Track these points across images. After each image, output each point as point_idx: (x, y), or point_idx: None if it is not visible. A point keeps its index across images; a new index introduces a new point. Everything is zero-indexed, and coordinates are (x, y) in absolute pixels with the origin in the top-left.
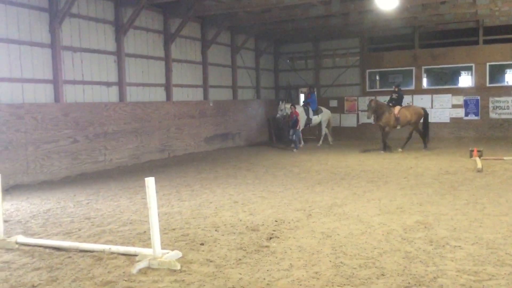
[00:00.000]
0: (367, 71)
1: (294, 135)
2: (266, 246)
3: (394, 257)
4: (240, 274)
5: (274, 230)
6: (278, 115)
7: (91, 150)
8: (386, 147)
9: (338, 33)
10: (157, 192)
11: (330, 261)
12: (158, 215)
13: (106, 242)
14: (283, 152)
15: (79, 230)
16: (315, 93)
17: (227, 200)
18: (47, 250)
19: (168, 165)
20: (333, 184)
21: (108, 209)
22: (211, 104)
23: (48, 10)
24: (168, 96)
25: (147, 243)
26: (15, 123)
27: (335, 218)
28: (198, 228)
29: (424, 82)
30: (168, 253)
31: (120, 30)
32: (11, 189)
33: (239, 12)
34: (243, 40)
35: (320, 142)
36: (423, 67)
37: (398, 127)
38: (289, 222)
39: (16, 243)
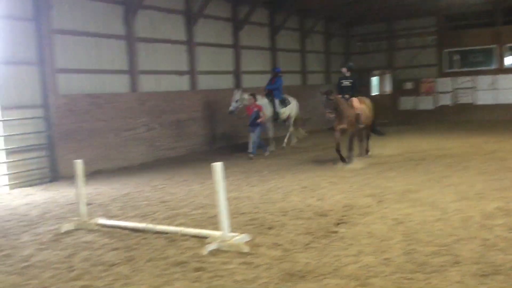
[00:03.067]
0: (445, 51)
1: (255, 137)
2: (335, 232)
3: (471, 244)
4: (308, 258)
5: (343, 216)
6: (230, 108)
7: (165, 137)
8: (349, 156)
9: (413, 12)
10: (227, 177)
11: (401, 248)
12: (228, 199)
13: (179, 225)
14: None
15: (155, 213)
16: (281, 77)
17: (295, 186)
18: (125, 232)
19: (237, 150)
20: (407, 169)
21: (182, 193)
22: None
23: (122, 3)
24: (238, 82)
25: (217, 226)
26: (96, 112)
27: (408, 204)
28: (267, 212)
29: (507, 61)
30: (237, 236)
31: (190, 19)
32: (93, 174)
33: None
34: (312, 23)
35: (285, 140)
36: (507, 45)
37: (361, 125)
38: (359, 208)
39: (97, 224)
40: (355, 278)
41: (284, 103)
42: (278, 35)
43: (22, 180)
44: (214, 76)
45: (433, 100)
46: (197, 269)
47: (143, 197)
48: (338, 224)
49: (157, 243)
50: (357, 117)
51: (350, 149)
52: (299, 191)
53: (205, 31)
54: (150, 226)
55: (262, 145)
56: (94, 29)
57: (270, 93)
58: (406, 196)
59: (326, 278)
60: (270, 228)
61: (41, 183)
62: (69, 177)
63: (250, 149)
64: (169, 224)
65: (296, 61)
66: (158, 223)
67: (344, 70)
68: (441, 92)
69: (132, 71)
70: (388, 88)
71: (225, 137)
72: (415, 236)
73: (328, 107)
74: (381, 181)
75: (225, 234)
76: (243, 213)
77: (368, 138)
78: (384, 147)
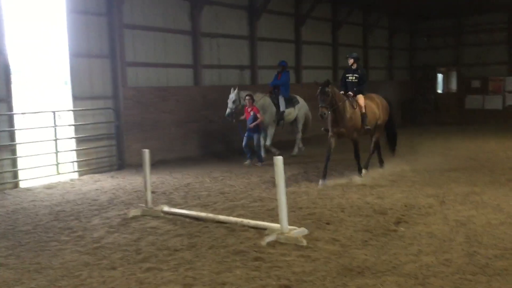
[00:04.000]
0: None
1: (258, 142)
2: (394, 230)
3: None
4: (366, 255)
5: (403, 215)
6: (228, 111)
7: (225, 130)
8: (365, 164)
9: (483, 7)
10: (285, 172)
11: (463, 249)
12: (286, 193)
13: (238, 216)
14: (418, 137)
15: (215, 203)
16: (288, 72)
17: (354, 183)
18: (187, 220)
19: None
20: (471, 171)
21: (240, 185)
22: None
23: None
24: (298, 78)
25: (275, 219)
26: (161, 104)
27: (472, 206)
28: (325, 208)
29: None
30: (295, 229)
31: (253, 14)
32: (157, 164)
33: None
34: (376, 18)
35: (296, 149)
36: None
37: (368, 128)
38: (419, 208)
39: (162, 212)
40: (414, 276)
41: (291, 102)
42: (340, 30)
43: (91, 167)
44: (274, 70)
45: (502, 99)
46: (256, 259)
47: (204, 188)
48: (398, 223)
49: (218, 232)
50: (362, 118)
51: (375, 152)
52: (358, 188)
53: (267, 26)
54: (211, 215)
55: (259, 154)
56: (162, 24)
57: (274, 90)
58: (470, 198)
59: (384, 275)
60: (328, 223)
61: (109, 171)
62: (134, 166)
63: (250, 155)
64: (229, 215)
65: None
66: (218, 213)
67: (350, 61)
68: (510, 92)
69: (196, 65)
70: (453, 86)
71: (284, 131)
72: (477, 238)
73: (323, 102)
74: (444, 181)
75: (284, 227)
76: (300, 208)
77: (378, 146)
78: (449, 148)
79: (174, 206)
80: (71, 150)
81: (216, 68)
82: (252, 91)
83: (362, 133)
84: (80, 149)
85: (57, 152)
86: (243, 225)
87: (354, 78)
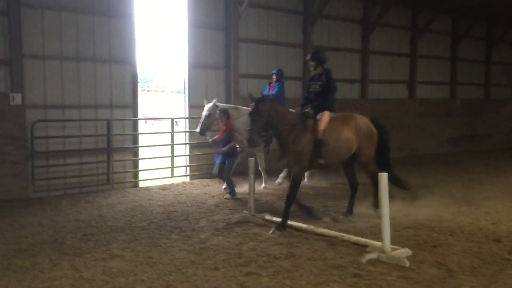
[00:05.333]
0: None
1: (226, 169)
2: (508, 259)
3: None
4: (473, 283)
5: None
6: (200, 127)
7: None
8: (307, 210)
9: None
10: (392, 190)
11: None
12: (391, 212)
13: (339, 230)
14: None
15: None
16: (283, 82)
17: (467, 206)
18: (288, 229)
19: (406, 164)
20: None
21: (344, 199)
22: (458, 103)
23: (302, 12)
24: (411, 93)
25: (377, 236)
26: None
27: None
28: (432, 230)
29: None
30: (397, 249)
31: (367, 28)
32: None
33: (496, 2)
34: (501, 32)
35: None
36: None
37: (322, 163)
38: None
39: (263, 219)
40: None
41: None
42: (460, 44)
43: (202, 172)
44: (386, 85)
45: None
46: (355, 275)
47: (307, 200)
48: None
49: (317, 245)
50: (317, 146)
51: (290, 202)
52: (471, 211)
53: (380, 39)
54: (311, 227)
55: (229, 184)
56: (275, 37)
57: None
58: None
59: None
60: (434, 247)
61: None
62: (242, 173)
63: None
64: (330, 228)
65: (479, 72)
66: (320, 226)
67: (312, 64)
68: None
69: (305, 78)
70: None
71: (393, 148)
72: None
73: (254, 124)
74: None
75: (386, 246)
76: (406, 228)
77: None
78: None
79: (276, 215)
80: (185, 155)
81: None
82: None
83: (316, 166)
84: (192, 155)
85: (173, 156)
86: (344, 240)
87: (317, 87)
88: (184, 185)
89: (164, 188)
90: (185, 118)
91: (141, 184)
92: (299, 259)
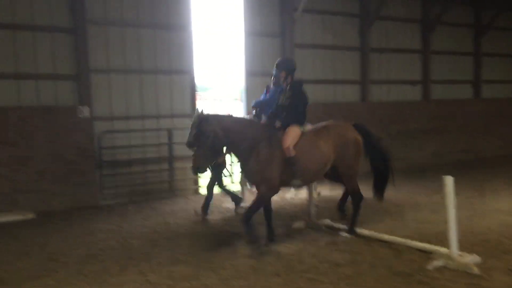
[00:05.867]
0: None
1: (218, 181)
2: None
3: None
4: None
5: None
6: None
7: (393, 148)
8: (269, 237)
9: None
10: (458, 194)
11: None
12: (458, 217)
13: (403, 236)
14: None
15: (378, 221)
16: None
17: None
18: (349, 236)
19: (472, 167)
20: None
21: (407, 205)
22: None
23: (358, 15)
24: (476, 92)
25: (444, 242)
26: (327, 120)
27: None
28: (502, 235)
29: None
30: (465, 256)
31: (427, 27)
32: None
33: None
34: None
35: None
36: None
37: (297, 184)
38: None
39: (324, 225)
40: None
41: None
42: None
43: None
44: (449, 85)
45: None
46: (421, 283)
47: (369, 205)
48: None
49: (381, 251)
50: (287, 165)
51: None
52: None
53: (441, 38)
54: (374, 233)
55: (235, 197)
56: (331, 41)
57: (259, 111)
58: None
59: None
60: (505, 253)
61: None
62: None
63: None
64: (392, 235)
65: None
66: (382, 232)
67: (282, 75)
68: None
69: (364, 81)
70: None
71: (458, 150)
72: None
73: (199, 149)
74: None
75: (453, 252)
76: (473, 233)
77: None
78: None
79: (337, 221)
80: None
81: (384, 84)
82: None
83: (291, 185)
84: None
85: (232, 164)
86: (408, 247)
87: (285, 99)
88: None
89: (224, 194)
90: None
91: (202, 191)
92: (362, 266)
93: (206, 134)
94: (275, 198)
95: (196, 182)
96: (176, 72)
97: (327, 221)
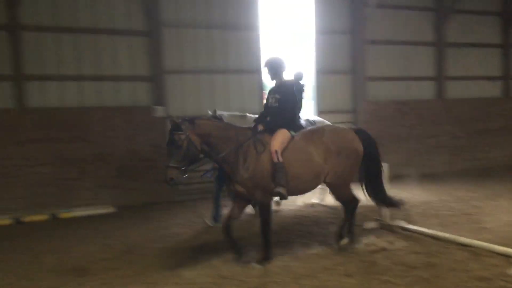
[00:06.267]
0: None
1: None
2: None
3: None
4: None
5: None
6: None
7: (471, 147)
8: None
9: None
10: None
11: None
12: None
13: (483, 240)
14: None
15: (456, 224)
16: (303, 86)
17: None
18: (425, 238)
19: None
20: None
21: (488, 207)
22: None
23: (433, 9)
24: None
25: None
26: (400, 118)
27: None
28: None
29: None
30: None
31: (507, 20)
32: (395, 179)
33: None
34: None
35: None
36: None
37: (279, 193)
38: None
39: (398, 227)
40: None
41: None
42: None
43: None
44: None
45: None
46: None
47: (445, 207)
48: None
49: (459, 255)
50: (274, 171)
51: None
52: None
53: None
54: (452, 236)
55: (216, 209)
56: (403, 37)
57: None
58: None
59: None
60: None
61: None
62: None
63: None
64: (472, 238)
65: None
66: (461, 235)
67: (269, 74)
68: None
69: (439, 78)
70: None
71: None
72: None
73: (172, 158)
74: None
75: None
76: None
77: (349, 220)
78: None
79: (411, 223)
80: None
81: (461, 80)
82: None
83: (275, 195)
84: None
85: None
86: (489, 251)
87: (274, 101)
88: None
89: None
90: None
91: None
92: (439, 269)
93: (178, 144)
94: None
95: None
96: (245, 72)
97: (401, 223)
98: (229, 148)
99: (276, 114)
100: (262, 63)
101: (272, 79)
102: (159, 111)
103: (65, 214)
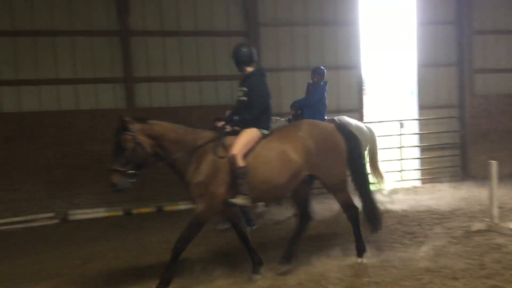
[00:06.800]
0: None
1: None
2: None
3: None
4: None
5: None
6: None
7: None
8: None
9: None
10: None
11: None
12: None
13: None
14: None
15: None
16: (325, 84)
17: None
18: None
19: None
20: None
21: None
22: None
23: None
24: None
25: None
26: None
27: None
28: None
29: None
30: None
31: None
32: (506, 178)
33: None
34: None
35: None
36: None
37: (242, 202)
38: None
39: (509, 229)
40: None
41: None
42: None
43: (434, 176)
44: None
45: None
46: None
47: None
48: None
49: None
50: (235, 177)
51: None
52: None
53: None
54: None
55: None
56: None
57: (296, 113)
58: None
59: None
60: None
61: (451, 181)
62: (479, 178)
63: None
64: None
65: None
66: None
67: (239, 66)
68: None
69: None
70: None
71: None
72: None
73: (116, 160)
74: None
75: None
76: None
77: (354, 218)
78: None
79: None
80: (414, 158)
81: None
82: None
83: (227, 205)
84: (423, 158)
85: (401, 160)
86: None
87: (241, 94)
88: (415, 189)
89: (393, 192)
90: (414, 119)
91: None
92: None
93: (123, 146)
94: (449, 197)
95: None
96: (343, 68)
97: None
98: (183, 152)
99: (244, 110)
100: (363, 58)
101: (240, 71)
102: None
103: (170, 207)
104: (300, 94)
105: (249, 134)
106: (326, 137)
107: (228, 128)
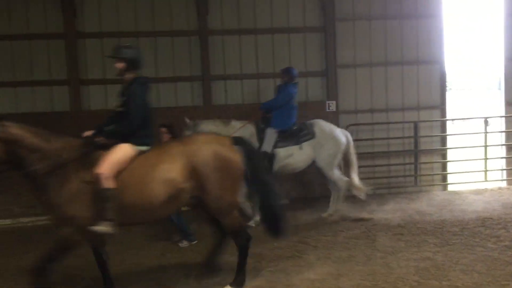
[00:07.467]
0: None
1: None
2: None
3: None
4: None
5: None
6: None
7: None
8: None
9: None
10: None
11: None
12: None
13: None
14: None
15: None
16: (294, 85)
17: None
18: None
19: None
20: None
21: None
22: None
23: None
24: None
25: None
26: None
27: None
28: None
29: None
30: None
31: None
32: None
33: None
34: None
35: (331, 209)
36: None
37: (106, 229)
38: None
39: None
40: None
41: (295, 136)
42: None
43: None
44: None
45: None
46: None
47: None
48: None
49: None
50: (99, 200)
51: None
52: None
53: None
54: None
55: (183, 227)
56: None
57: (264, 115)
58: None
59: None
60: None
61: None
62: None
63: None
64: None
65: None
66: None
67: (119, 66)
68: None
69: None
70: None
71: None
72: None
73: None
74: None
75: None
76: None
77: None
78: None
79: None
80: (500, 158)
81: None
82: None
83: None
84: (509, 157)
85: (486, 159)
86: None
87: (118, 104)
88: (500, 190)
89: (476, 192)
90: (500, 116)
91: (450, 188)
92: None
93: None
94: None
95: (444, 179)
96: (423, 63)
97: None
98: (43, 164)
99: (119, 122)
100: (445, 52)
101: (118, 75)
102: (331, 106)
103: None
104: (378, 90)
105: (121, 151)
106: (217, 155)
107: (102, 141)
